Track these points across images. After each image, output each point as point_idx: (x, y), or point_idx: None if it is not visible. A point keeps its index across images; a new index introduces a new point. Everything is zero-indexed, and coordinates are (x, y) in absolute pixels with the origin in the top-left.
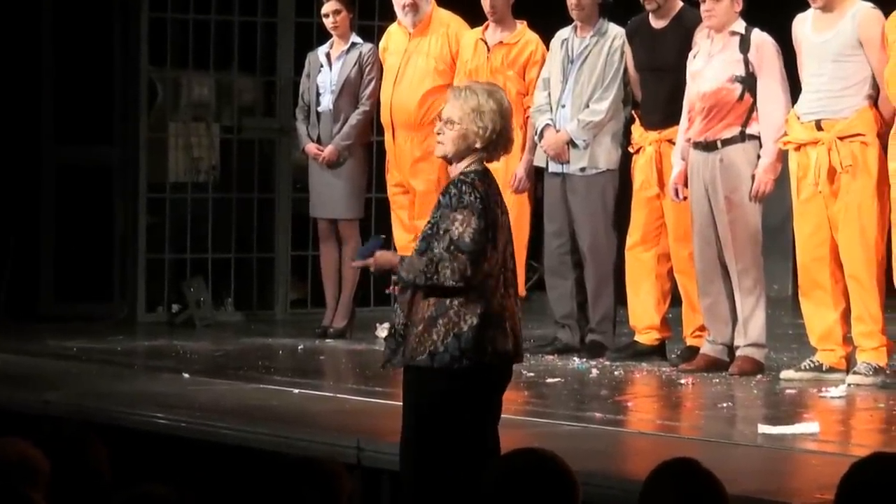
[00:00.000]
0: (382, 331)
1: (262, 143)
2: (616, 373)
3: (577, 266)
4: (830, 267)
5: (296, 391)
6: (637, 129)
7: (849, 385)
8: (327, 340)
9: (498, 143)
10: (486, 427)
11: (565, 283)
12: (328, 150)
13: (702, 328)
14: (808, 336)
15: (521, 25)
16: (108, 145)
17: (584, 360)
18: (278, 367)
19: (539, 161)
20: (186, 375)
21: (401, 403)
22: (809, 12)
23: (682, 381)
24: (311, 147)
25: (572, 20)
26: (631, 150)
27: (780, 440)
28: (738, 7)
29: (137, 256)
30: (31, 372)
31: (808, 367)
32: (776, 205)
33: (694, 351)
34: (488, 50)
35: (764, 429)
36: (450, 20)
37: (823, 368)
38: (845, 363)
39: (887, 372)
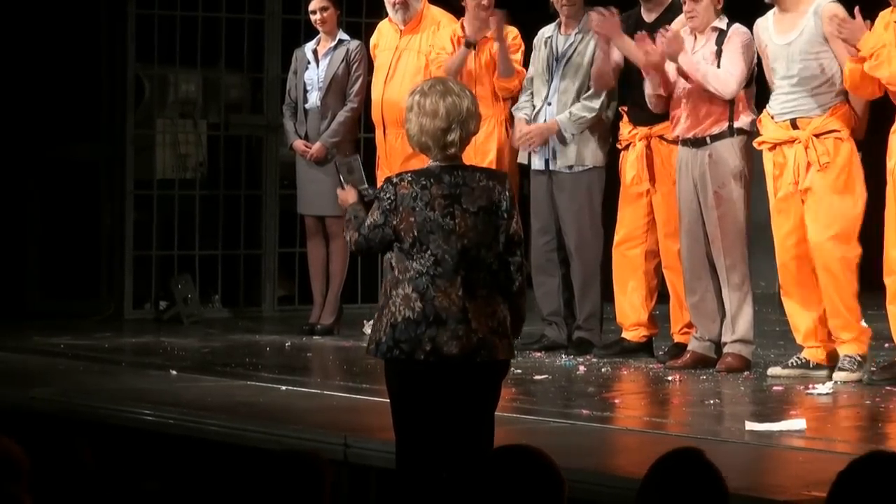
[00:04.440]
0: (369, 327)
1: (250, 139)
2: (603, 370)
3: (563, 263)
4: (811, 264)
5: (283, 388)
6: (625, 126)
7: (835, 382)
8: (314, 337)
9: (432, 140)
10: (448, 425)
11: (552, 280)
12: (316, 147)
13: (689, 325)
14: (794, 334)
15: None
16: (95, 142)
17: (572, 356)
18: (265, 364)
19: (523, 158)
20: (174, 372)
21: (386, 400)
22: (769, 15)
23: (670, 378)
24: (298, 143)
25: (554, 17)
26: (619, 146)
27: (767, 437)
28: (720, 4)
29: (124, 253)
30: (18, 368)
31: (795, 363)
32: (763, 202)
33: (681, 347)
34: None
35: (751, 425)
36: (441, 17)
37: (810, 365)
38: (832, 359)
39: (873, 362)
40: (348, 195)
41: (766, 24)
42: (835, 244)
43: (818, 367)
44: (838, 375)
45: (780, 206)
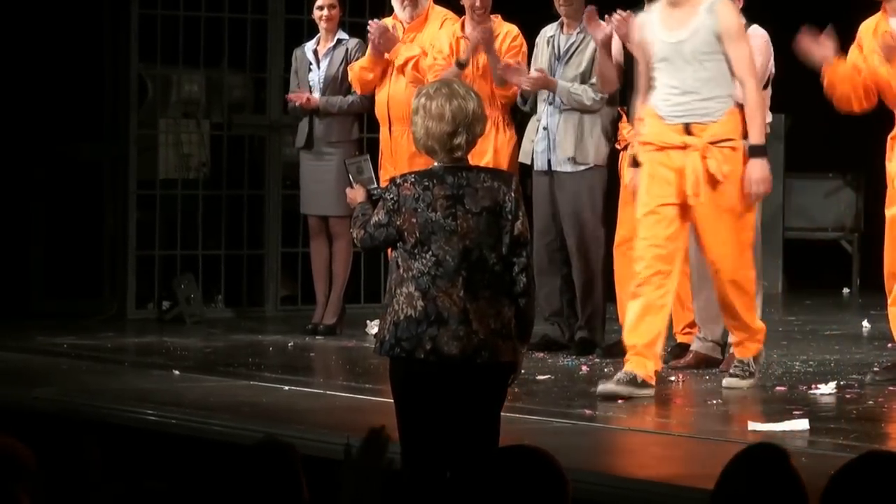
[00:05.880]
0: (373, 328)
1: (253, 139)
2: (606, 370)
3: (565, 263)
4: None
5: (285, 388)
6: (625, 126)
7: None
8: (317, 337)
9: (438, 143)
10: (451, 426)
11: (554, 280)
12: (313, 97)
13: (692, 325)
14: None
15: (497, 19)
16: (99, 142)
17: (574, 356)
18: (268, 364)
19: (524, 158)
20: (176, 372)
21: (389, 400)
22: (655, 8)
23: (673, 378)
24: (293, 94)
25: (556, 17)
26: (618, 146)
27: (770, 437)
28: (740, 4)
29: (127, 253)
30: (21, 368)
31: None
32: (766, 200)
33: (684, 347)
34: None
35: (754, 426)
36: (446, 16)
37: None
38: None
39: (876, 363)
40: (357, 194)
41: (651, 18)
42: (735, 259)
43: (645, 384)
44: (729, 381)
45: (658, 210)
